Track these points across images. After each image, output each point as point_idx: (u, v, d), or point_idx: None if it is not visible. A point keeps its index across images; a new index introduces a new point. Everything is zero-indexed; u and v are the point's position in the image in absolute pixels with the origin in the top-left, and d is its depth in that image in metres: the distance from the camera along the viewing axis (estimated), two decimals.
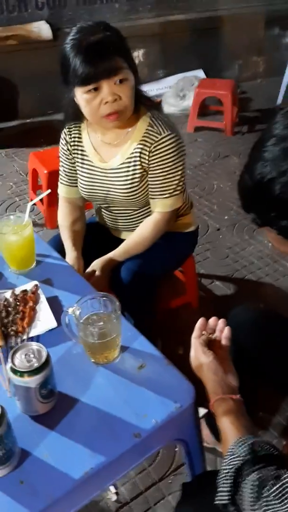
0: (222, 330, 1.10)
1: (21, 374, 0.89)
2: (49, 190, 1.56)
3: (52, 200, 2.44)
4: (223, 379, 1.00)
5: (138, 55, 4.36)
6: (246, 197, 0.85)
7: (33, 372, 0.89)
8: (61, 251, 1.56)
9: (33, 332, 1.13)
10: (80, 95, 1.37)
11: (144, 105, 1.52)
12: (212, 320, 1.12)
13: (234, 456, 0.82)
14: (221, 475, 0.83)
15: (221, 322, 1.11)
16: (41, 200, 2.74)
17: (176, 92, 4.23)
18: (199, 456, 1.13)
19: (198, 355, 1.05)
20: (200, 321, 1.12)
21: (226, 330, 1.09)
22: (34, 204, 2.69)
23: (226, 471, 0.82)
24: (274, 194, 0.75)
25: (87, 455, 0.88)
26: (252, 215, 0.84)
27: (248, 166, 0.81)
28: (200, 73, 4.62)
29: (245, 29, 4.74)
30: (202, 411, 1.52)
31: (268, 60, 5.06)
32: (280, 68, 4.55)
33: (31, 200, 2.96)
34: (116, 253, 1.59)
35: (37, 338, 1.12)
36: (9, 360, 0.91)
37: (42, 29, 3.85)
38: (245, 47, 4.87)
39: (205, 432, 1.52)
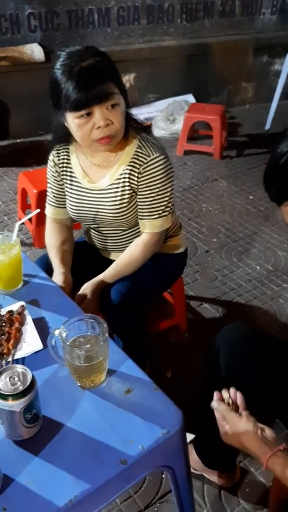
0: (235, 397, 1.13)
1: (5, 397, 0.87)
2: (38, 210, 1.55)
3: (41, 220, 2.43)
4: (264, 435, 1.02)
5: (129, 79, 4.42)
6: (270, 174, 0.96)
7: (18, 395, 0.87)
8: (49, 271, 1.54)
9: (18, 354, 1.11)
10: (72, 120, 1.38)
11: (133, 128, 1.53)
12: (223, 391, 1.15)
13: None
14: None
15: (232, 390, 1.15)
16: (29, 219, 2.73)
17: (166, 116, 4.29)
18: (186, 483, 1.10)
19: (236, 422, 1.06)
20: (216, 395, 1.14)
21: (239, 396, 1.13)
22: (23, 223, 2.68)
23: None
24: None
25: (71, 482, 0.86)
26: (273, 192, 0.96)
27: (273, 150, 0.93)
28: (190, 98, 4.69)
29: (234, 56, 4.84)
30: (189, 436, 1.50)
31: (256, 86, 5.16)
32: (268, 95, 4.65)
33: (20, 219, 2.95)
34: (106, 275, 1.58)
35: (22, 360, 1.10)
36: None
37: (34, 51, 3.89)
38: (235, 73, 4.96)
39: (193, 458, 1.49)
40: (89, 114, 1.35)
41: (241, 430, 1.04)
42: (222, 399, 1.14)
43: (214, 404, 1.12)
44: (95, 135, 1.39)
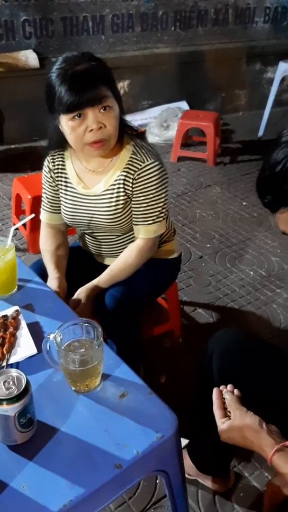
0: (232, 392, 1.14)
1: (0, 401, 0.87)
2: (33, 215, 1.56)
3: (35, 225, 2.43)
4: (270, 428, 1.02)
5: (123, 85, 4.44)
6: (265, 181, 0.96)
7: (12, 400, 0.87)
8: (43, 276, 1.54)
9: (13, 359, 1.11)
10: (65, 123, 1.39)
11: (128, 134, 1.54)
12: (222, 387, 1.16)
13: None
14: None
15: (230, 387, 1.15)
16: (24, 225, 2.73)
17: (160, 122, 4.31)
18: (180, 488, 1.10)
19: (242, 414, 1.05)
20: (216, 392, 1.14)
21: (236, 392, 1.13)
22: (17, 228, 2.68)
23: None
24: None
25: (66, 486, 0.86)
26: (267, 199, 0.96)
27: (266, 157, 0.93)
28: (184, 105, 4.72)
29: (228, 64, 4.88)
30: (184, 441, 1.50)
31: (250, 94, 5.20)
32: (261, 102, 4.69)
33: (14, 224, 2.95)
34: (100, 280, 1.58)
35: (16, 365, 1.10)
36: None
37: (29, 57, 3.91)
38: (228, 81, 5.00)
39: (188, 463, 1.49)
40: (82, 117, 1.36)
41: (247, 422, 1.03)
42: (220, 396, 1.14)
43: (226, 395, 1.12)
44: (88, 138, 1.40)
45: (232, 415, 1.07)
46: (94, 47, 4.25)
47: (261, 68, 5.16)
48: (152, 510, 1.51)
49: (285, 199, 0.94)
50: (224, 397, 1.12)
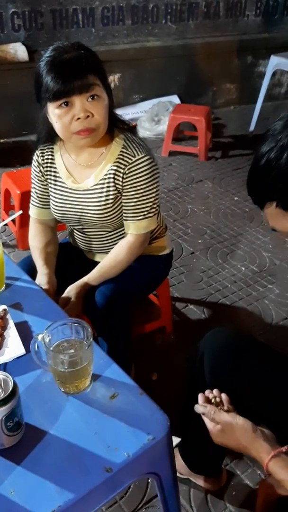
0: (219, 397, 1.12)
1: None
2: (21, 211, 1.53)
3: (25, 221, 2.39)
4: (264, 434, 1.00)
5: (114, 79, 4.40)
6: (249, 177, 0.94)
7: None
8: (32, 273, 1.51)
9: (0, 360, 1.08)
10: (52, 111, 1.36)
11: (118, 128, 1.51)
12: (207, 392, 1.13)
13: None
14: None
15: (215, 391, 1.13)
16: (13, 220, 2.69)
17: (151, 116, 4.27)
18: (172, 489, 1.09)
19: (231, 421, 1.03)
20: (201, 397, 1.12)
21: (224, 396, 1.11)
22: (6, 224, 2.64)
23: None
24: (276, 166, 0.86)
25: (55, 491, 0.84)
26: (254, 194, 0.95)
27: (256, 150, 0.92)
28: (175, 99, 4.68)
29: (219, 57, 4.85)
30: (176, 440, 1.48)
31: (241, 87, 5.18)
32: (252, 96, 4.66)
33: (3, 220, 2.91)
34: (91, 277, 1.56)
35: (4, 366, 1.08)
36: None
37: (18, 50, 3.85)
38: (219, 74, 4.97)
39: (179, 462, 1.47)
40: (68, 104, 1.34)
41: (239, 427, 1.01)
42: (207, 401, 1.12)
43: (200, 408, 1.09)
44: (75, 127, 1.37)
45: (221, 424, 1.05)
46: (84, 40, 4.19)
47: (252, 62, 5.13)
48: (144, 510, 1.49)
49: (269, 193, 0.91)
50: (200, 412, 1.09)
